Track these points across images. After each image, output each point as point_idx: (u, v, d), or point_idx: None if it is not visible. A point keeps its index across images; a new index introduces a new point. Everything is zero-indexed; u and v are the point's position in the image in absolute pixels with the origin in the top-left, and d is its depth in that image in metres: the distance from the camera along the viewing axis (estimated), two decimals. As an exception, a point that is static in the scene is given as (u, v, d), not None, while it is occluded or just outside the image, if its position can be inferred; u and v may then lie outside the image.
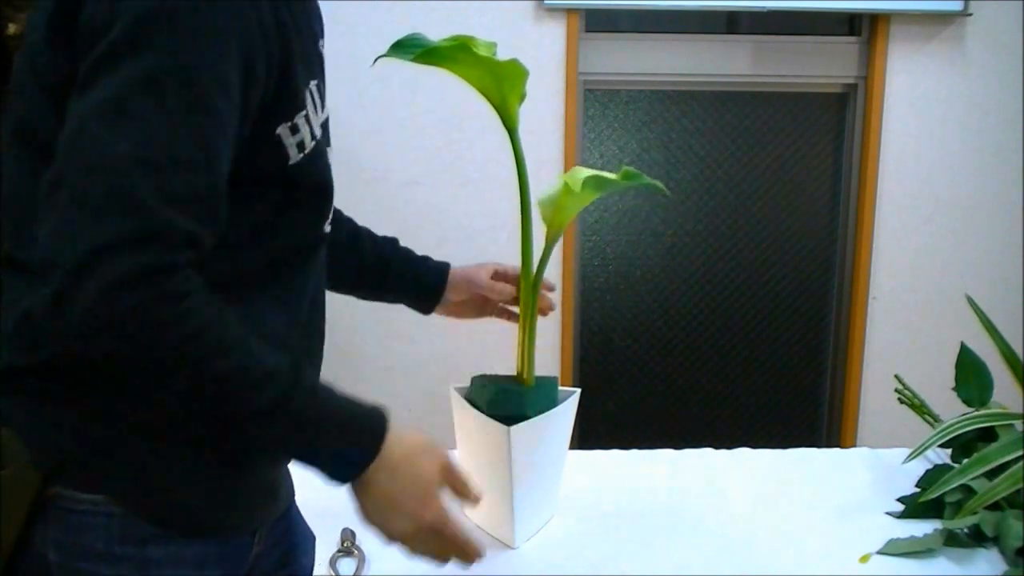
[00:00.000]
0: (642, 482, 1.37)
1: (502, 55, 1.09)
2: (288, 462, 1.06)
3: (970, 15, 2.44)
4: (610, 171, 1.14)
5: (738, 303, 2.73)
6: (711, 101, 2.61)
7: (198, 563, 0.92)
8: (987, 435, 1.31)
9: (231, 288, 0.88)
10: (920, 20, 2.47)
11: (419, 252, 1.33)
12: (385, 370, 2.60)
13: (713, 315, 2.73)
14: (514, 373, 1.24)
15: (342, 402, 0.91)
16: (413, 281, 1.31)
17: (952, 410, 1.37)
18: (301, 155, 0.93)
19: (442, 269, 1.32)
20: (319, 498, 1.31)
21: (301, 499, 1.31)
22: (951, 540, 1.21)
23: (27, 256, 0.86)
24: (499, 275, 1.32)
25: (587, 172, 1.14)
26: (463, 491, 0.98)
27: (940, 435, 1.32)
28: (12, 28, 2.01)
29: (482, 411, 1.19)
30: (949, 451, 1.36)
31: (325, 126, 1.02)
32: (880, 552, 1.20)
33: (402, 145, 2.48)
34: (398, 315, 2.57)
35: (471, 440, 1.24)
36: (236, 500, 0.96)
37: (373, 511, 0.94)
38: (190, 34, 0.80)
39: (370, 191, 2.48)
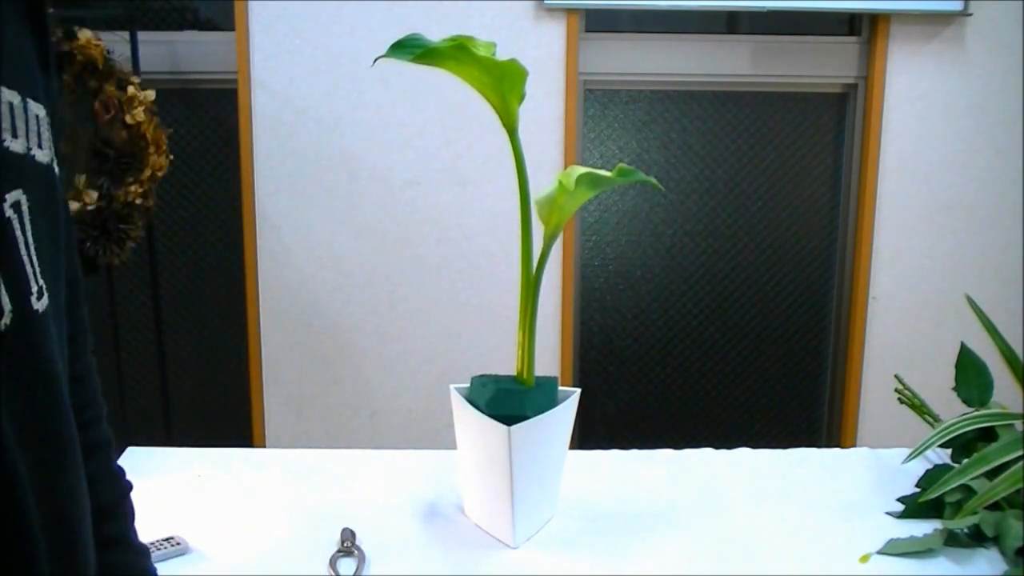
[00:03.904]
0: (642, 482, 1.37)
1: (502, 55, 1.09)
2: None
3: (970, 15, 2.44)
4: (609, 171, 1.14)
5: (738, 303, 2.73)
6: (711, 101, 2.61)
7: None
8: (987, 435, 1.31)
9: None
10: (920, 20, 2.48)
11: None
12: (385, 370, 2.60)
13: (713, 315, 2.73)
14: (514, 373, 1.24)
15: None
16: None
17: (952, 410, 1.37)
18: None
19: None
20: (319, 498, 1.31)
21: (300, 499, 1.31)
22: (951, 540, 1.21)
23: None
24: None
25: (582, 170, 1.13)
26: None
27: (940, 435, 1.31)
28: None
29: (482, 411, 1.19)
30: (949, 451, 1.36)
31: None
32: (880, 552, 1.19)
33: (402, 145, 2.48)
34: (398, 315, 2.59)
35: (471, 440, 1.24)
36: None
37: None
38: None
39: (370, 191, 2.48)
